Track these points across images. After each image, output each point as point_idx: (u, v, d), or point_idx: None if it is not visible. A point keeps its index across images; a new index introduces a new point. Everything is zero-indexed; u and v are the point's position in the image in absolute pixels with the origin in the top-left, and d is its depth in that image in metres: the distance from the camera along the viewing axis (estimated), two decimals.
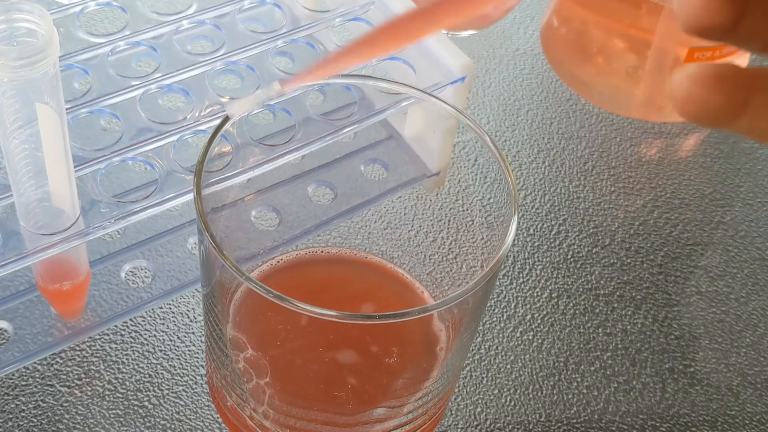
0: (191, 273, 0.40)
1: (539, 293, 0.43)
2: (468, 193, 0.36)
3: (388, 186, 0.41)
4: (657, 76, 0.49)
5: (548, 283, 0.44)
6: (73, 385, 0.38)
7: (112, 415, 0.37)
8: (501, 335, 0.41)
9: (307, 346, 0.32)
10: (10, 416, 0.37)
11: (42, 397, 0.37)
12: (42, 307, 0.38)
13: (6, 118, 0.31)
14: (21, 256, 0.34)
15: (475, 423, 0.39)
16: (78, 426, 0.37)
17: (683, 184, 0.49)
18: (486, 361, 0.41)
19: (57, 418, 0.37)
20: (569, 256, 0.45)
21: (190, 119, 0.38)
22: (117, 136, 0.37)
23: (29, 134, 0.31)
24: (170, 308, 0.40)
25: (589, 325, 0.42)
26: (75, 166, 0.35)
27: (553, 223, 0.46)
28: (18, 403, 0.37)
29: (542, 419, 0.39)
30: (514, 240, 0.40)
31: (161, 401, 0.38)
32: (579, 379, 0.40)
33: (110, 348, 0.39)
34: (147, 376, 0.38)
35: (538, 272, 0.44)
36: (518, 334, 0.42)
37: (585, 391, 0.40)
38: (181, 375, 0.38)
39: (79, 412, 0.37)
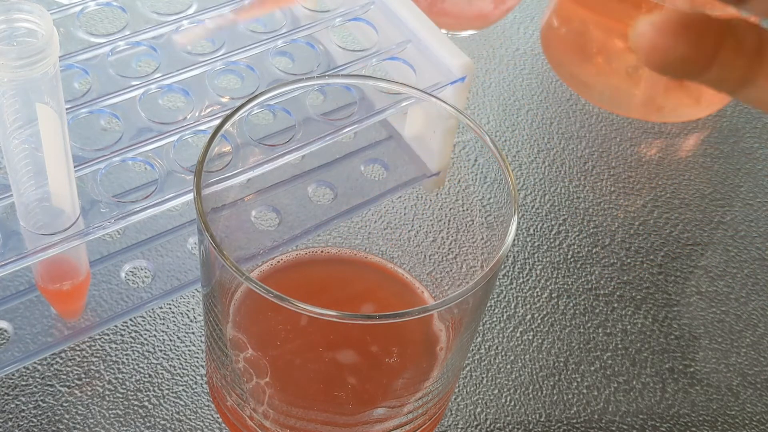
0: (191, 273, 0.40)
1: (539, 293, 0.43)
2: (468, 193, 0.36)
3: (388, 186, 0.41)
4: (657, 76, 0.49)
5: (548, 283, 0.44)
6: (73, 385, 0.38)
7: (112, 415, 0.37)
8: (501, 335, 0.41)
9: (307, 346, 0.32)
10: (10, 416, 0.37)
11: (42, 397, 0.37)
12: (42, 307, 0.38)
13: (6, 118, 0.31)
14: (21, 256, 0.34)
15: (475, 423, 0.39)
16: (78, 426, 0.37)
17: (683, 184, 0.49)
18: (486, 361, 0.41)
19: (57, 418, 0.37)
20: (569, 256, 0.45)
21: (190, 119, 0.38)
22: (117, 136, 0.37)
23: (29, 134, 0.31)
24: (170, 308, 0.40)
25: (589, 325, 0.42)
26: (75, 166, 0.35)
27: (553, 223, 0.46)
28: (18, 403, 0.37)
29: (542, 419, 0.39)
30: (514, 240, 0.40)
31: (161, 401, 0.38)
32: (579, 379, 0.40)
33: (110, 348, 0.39)
34: (147, 376, 0.38)
35: (538, 272, 0.44)
36: (518, 334, 0.42)
37: (585, 391, 0.40)
38: (181, 375, 0.38)
39: (79, 412, 0.37)
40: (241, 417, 0.33)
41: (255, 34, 0.42)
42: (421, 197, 0.39)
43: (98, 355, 0.39)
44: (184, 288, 0.40)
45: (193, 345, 0.39)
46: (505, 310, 0.42)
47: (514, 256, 0.44)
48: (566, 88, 0.52)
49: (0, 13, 0.29)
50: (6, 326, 0.38)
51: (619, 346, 0.42)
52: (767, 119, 0.52)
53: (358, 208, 0.40)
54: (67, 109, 0.37)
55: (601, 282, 0.44)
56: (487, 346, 0.41)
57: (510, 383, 0.40)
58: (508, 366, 0.40)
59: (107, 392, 0.38)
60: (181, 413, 0.37)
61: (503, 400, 0.39)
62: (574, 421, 0.39)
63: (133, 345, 0.39)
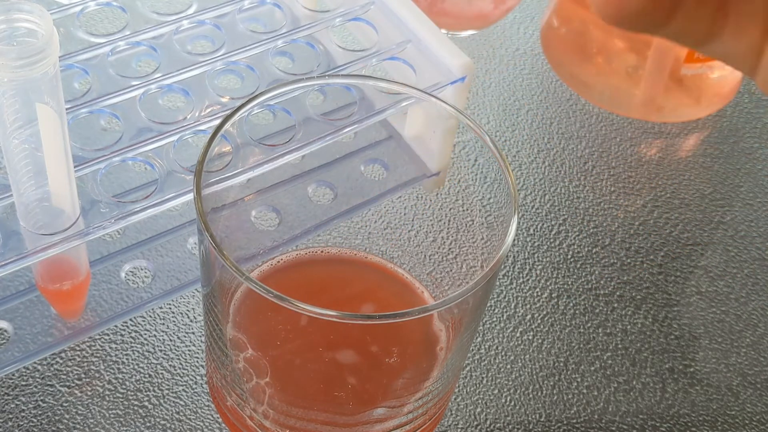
0: (191, 273, 0.40)
1: (539, 293, 0.43)
2: (468, 193, 0.36)
3: (388, 186, 0.41)
4: (657, 76, 0.49)
5: (548, 283, 0.44)
6: (73, 385, 0.38)
7: (112, 415, 0.37)
8: (501, 335, 0.41)
9: (307, 346, 0.32)
10: (10, 416, 0.37)
11: (42, 397, 0.37)
12: (42, 307, 0.38)
13: (6, 118, 0.31)
14: (21, 256, 0.34)
15: (475, 423, 0.39)
16: (78, 426, 0.37)
17: (683, 184, 0.49)
18: (486, 361, 0.41)
19: (57, 418, 0.37)
20: (569, 256, 0.45)
21: (190, 119, 0.38)
22: (117, 136, 0.37)
23: (29, 134, 0.31)
24: (170, 308, 0.40)
25: (589, 325, 0.42)
26: (75, 166, 0.35)
27: (553, 223, 0.46)
28: (18, 403, 0.37)
29: (542, 419, 0.39)
30: (514, 240, 0.40)
31: (161, 401, 0.38)
32: (579, 379, 0.40)
33: (110, 348, 0.39)
34: (147, 376, 0.38)
35: (538, 272, 0.44)
36: (518, 334, 0.42)
37: (585, 391, 0.40)
38: (181, 375, 0.38)
39: (79, 412, 0.37)
40: (241, 417, 0.33)
41: (255, 34, 0.42)
42: (421, 197, 0.39)
43: (98, 355, 0.39)
44: (184, 288, 0.40)
45: (193, 345, 0.39)
46: (505, 310, 0.42)
47: (514, 256, 0.44)
48: (566, 88, 0.52)
49: (0, 13, 0.29)
50: (6, 326, 0.38)
51: (619, 346, 0.42)
52: (767, 119, 0.53)
53: (358, 208, 0.40)
54: (67, 109, 0.37)
55: (601, 282, 0.44)
56: (487, 346, 0.41)
57: (510, 383, 0.40)
58: (508, 366, 0.41)
59: (107, 392, 0.38)
60: (181, 413, 0.37)
61: (503, 400, 0.39)
62: (574, 421, 0.39)
63: (133, 345, 0.39)
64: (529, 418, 0.39)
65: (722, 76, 0.51)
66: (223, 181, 0.35)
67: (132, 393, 0.38)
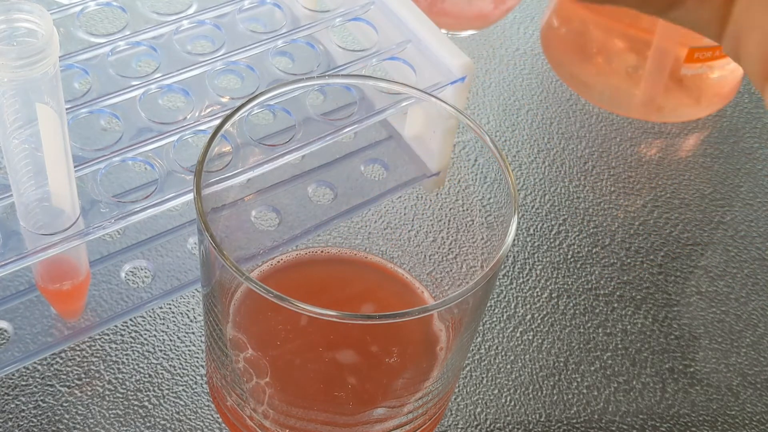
0: (191, 273, 0.40)
1: (539, 293, 0.43)
2: (468, 193, 0.36)
3: (388, 186, 0.41)
4: (657, 76, 0.49)
5: (548, 283, 0.44)
6: (73, 385, 0.38)
7: (112, 415, 0.37)
8: (501, 335, 0.41)
9: (307, 346, 0.32)
10: (10, 416, 0.37)
11: (42, 397, 0.37)
12: (42, 307, 0.38)
13: (6, 118, 0.31)
14: (21, 256, 0.34)
15: (475, 423, 0.39)
16: (78, 426, 0.37)
17: (683, 184, 0.49)
18: (486, 361, 0.41)
19: (57, 418, 0.37)
20: (569, 256, 0.45)
21: (190, 119, 0.38)
22: (117, 136, 0.37)
23: (29, 134, 0.31)
24: (170, 308, 0.40)
25: (589, 325, 0.42)
26: (75, 166, 0.35)
27: (553, 223, 0.46)
28: (18, 403, 0.37)
29: (542, 419, 0.39)
30: (514, 240, 0.40)
31: (161, 401, 0.38)
32: (579, 379, 0.40)
33: (110, 348, 0.39)
34: (147, 376, 0.38)
35: (538, 272, 0.44)
36: (518, 334, 0.42)
37: (585, 391, 0.40)
38: (181, 375, 0.38)
39: (79, 412, 0.37)
40: (241, 417, 0.33)
41: (255, 34, 0.42)
42: (421, 197, 0.39)
43: (98, 355, 0.39)
44: (184, 288, 0.40)
45: (193, 345, 0.39)
46: (505, 310, 0.42)
47: (514, 256, 0.44)
48: (566, 88, 0.52)
49: (0, 13, 0.29)
50: (6, 326, 0.38)
51: (619, 346, 0.42)
52: (767, 119, 0.52)
53: (358, 208, 0.40)
54: (67, 109, 0.37)
55: (601, 282, 0.44)
56: (487, 346, 0.41)
57: (510, 383, 0.40)
58: (508, 366, 0.40)
59: (107, 392, 0.38)
60: (181, 413, 0.37)
61: (503, 400, 0.39)
62: (574, 421, 0.39)
63: (133, 345, 0.39)
64: (529, 418, 0.39)
65: (722, 76, 0.51)
66: (223, 181, 0.35)
67: (132, 393, 0.38)
